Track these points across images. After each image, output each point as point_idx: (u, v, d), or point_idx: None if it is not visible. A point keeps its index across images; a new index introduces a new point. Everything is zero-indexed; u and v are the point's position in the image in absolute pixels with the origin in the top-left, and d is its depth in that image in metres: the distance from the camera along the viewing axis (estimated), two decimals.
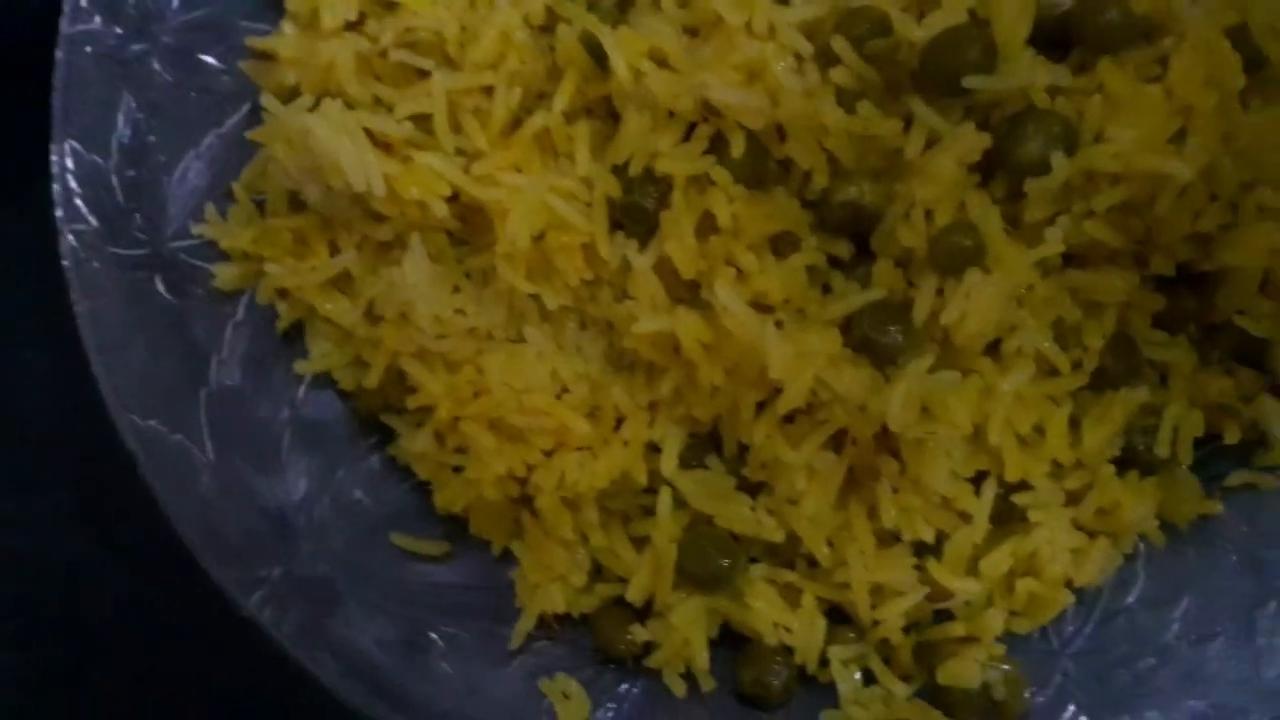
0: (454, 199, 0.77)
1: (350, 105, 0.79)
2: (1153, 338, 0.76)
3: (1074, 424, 0.75)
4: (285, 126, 0.77)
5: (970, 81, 0.69)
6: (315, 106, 0.79)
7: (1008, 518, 0.75)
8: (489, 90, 0.77)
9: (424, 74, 0.78)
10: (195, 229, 0.85)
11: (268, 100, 0.79)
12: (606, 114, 0.77)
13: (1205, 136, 0.68)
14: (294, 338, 0.86)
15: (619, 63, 0.72)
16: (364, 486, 0.84)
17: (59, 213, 0.84)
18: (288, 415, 0.85)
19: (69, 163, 0.84)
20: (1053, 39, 0.73)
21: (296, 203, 0.83)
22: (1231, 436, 0.76)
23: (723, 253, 0.71)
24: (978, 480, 0.74)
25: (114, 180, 0.85)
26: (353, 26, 0.80)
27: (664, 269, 0.74)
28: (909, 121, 0.73)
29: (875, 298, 0.72)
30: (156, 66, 0.87)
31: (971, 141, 0.70)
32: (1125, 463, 0.76)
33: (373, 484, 0.85)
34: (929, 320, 0.71)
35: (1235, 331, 0.76)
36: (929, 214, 0.71)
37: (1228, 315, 0.76)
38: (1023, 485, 0.74)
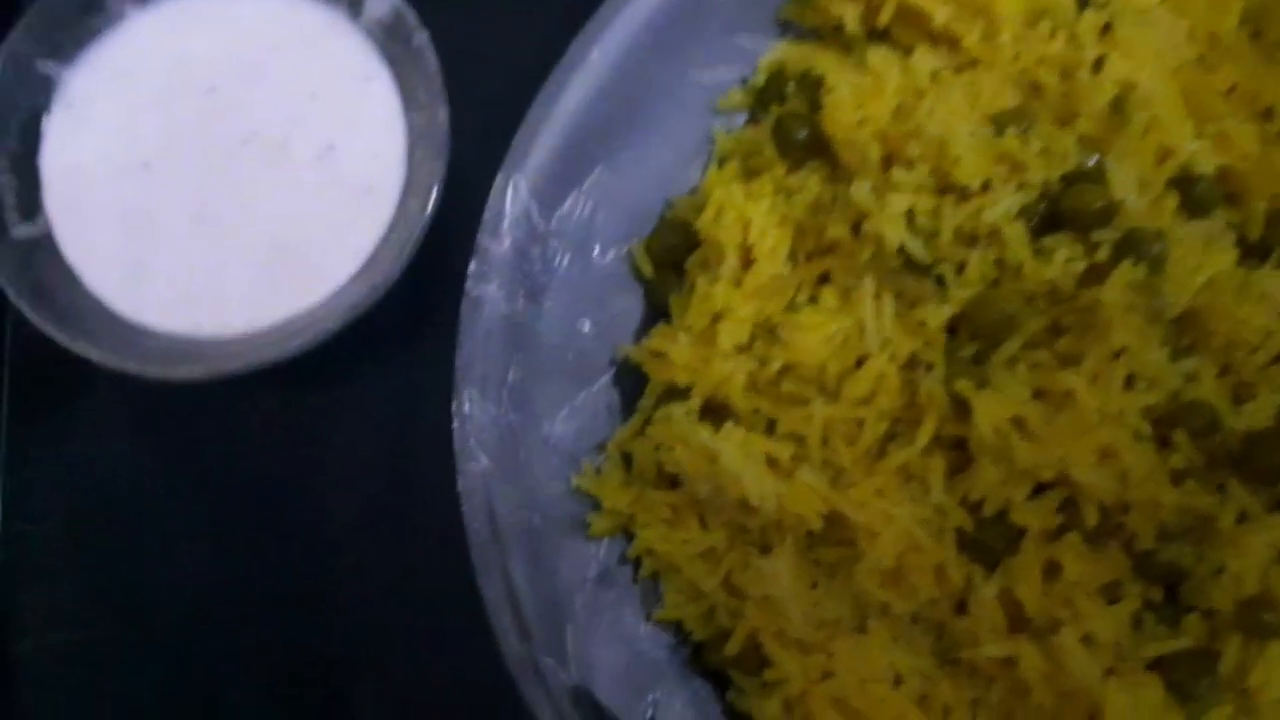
0: None
1: (736, 416, 0.89)
2: None
3: None
4: (689, 437, 0.87)
5: None
6: (705, 409, 0.90)
7: None
8: (859, 421, 0.87)
9: (802, 400, 0.89)
10: (575, 480, 0.96)
11: (674, 410, 0.90)
12: (953, 445, 0.87)
13: None
14: (647, 581, 0.97)
15: (984, 423, 0.83)
16: None
17: (458, 453, 0.95)
18: (638, 647, 0.96)
19: (466, 409, 0.95)
20: None
21: (664, 475, 0.94)
22: None
23: (1064, 597, 0.81)
24: None
25: (503, 428, 0.96)
26: (741, 348, 0.91)
27: (1003, 597, 0.84)
28: (1222, 487, 0.83)
29: (1186, 646, 0.81)
30: (542, 328, 0.98)
31: None
32: None
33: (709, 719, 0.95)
34: (1232, 674, 0.81)
35: None
36: (1237, 580, 0.81)
37: None
38: None
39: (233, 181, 1.01)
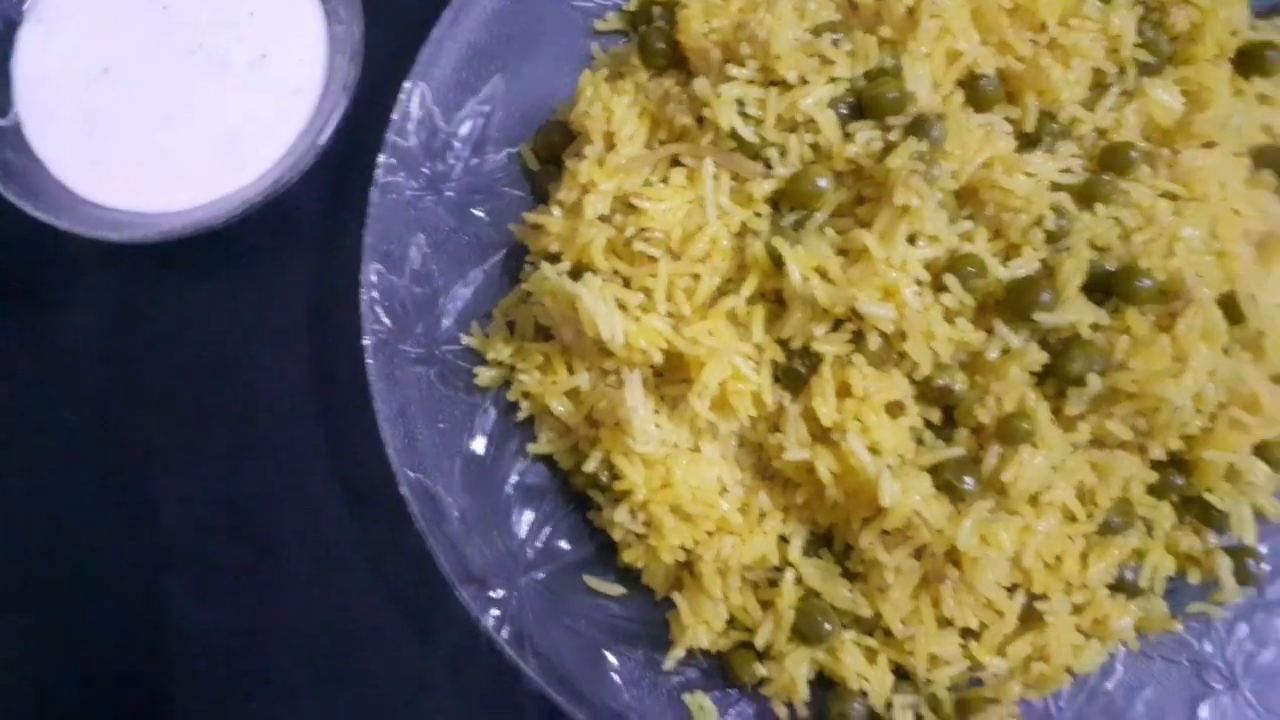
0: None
1: (598, 274, 1.04)
2: (1145, 501, 1.00)
3: (1083, 557, 0.99)
4: (556, 287, 1.01)
5: (1039, 317, 0.94)
6: (573, 271, 1.05)
7: (1030, 618, 0.98)
8: (696, 276, 1.02)
9: (651, 258, 1.03)
10: (464, 340, 1.11)
11: (545, 268, 1.03)
12: (775, 299, 1.02)
13: (1197, 375, 0.93)
14: (524, 425, 1.11)
15: (794, 271, 0.97)
16: (566, 538, 1.09)
17: (364, 314, 1.09)
18: (516, 480, 1.10)
19: (373, 279, 1.09)
20: (1096, 286, 0.98)
21: (540, 330, 1.09)
22: (1194, 578, 1.00)
23: (853, 411, 0.96)
24: (1012, 589, 0.98)
25: (405, 296, 1.10)
26: (604, 218, 1.06)
27: (807, 415, 0.98)
28: (990, 331, 0.98)
29: (956, 454, 0.96)
30: (441, 213, 1.12)
31: (1034, 357, 0.94)
32: (1116, 588, 1.00)
33: (572, 537, 1.09)
34: (992, 475, 0.95)
35: (1203, 503, 1.00)
36: (999, 400, 0.96)
37: (1199, 491, 1.00)
38: (1043, 596, 0.98)
39: (181, 85, 1.15)
